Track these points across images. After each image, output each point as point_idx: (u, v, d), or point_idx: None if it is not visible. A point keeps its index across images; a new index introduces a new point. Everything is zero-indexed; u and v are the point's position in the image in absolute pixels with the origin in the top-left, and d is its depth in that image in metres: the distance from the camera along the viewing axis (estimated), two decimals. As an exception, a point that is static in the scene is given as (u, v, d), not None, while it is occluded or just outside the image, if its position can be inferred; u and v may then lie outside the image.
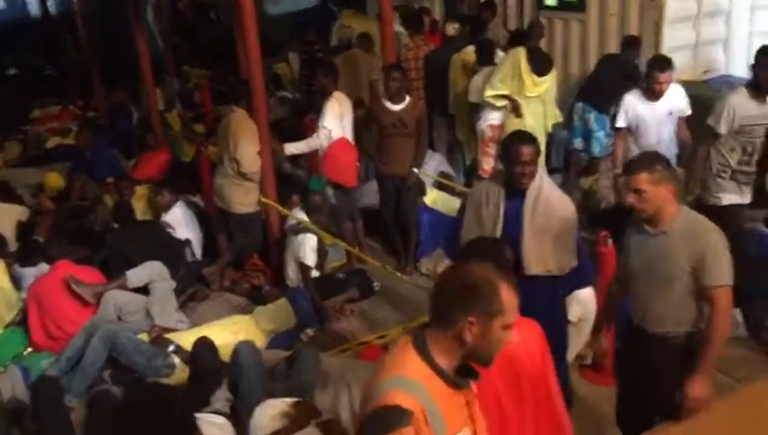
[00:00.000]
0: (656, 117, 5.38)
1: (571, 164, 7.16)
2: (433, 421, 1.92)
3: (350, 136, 6.02)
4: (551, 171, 6.88)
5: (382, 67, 6.42)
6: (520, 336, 2.19)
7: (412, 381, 1.94)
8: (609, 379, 3.97)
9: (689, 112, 5.44)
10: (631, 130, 5.47)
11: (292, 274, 5.54)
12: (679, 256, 3.00)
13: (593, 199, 6.43)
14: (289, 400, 3.77)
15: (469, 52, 6.85)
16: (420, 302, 5.21)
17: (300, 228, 5.53)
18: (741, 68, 7.64)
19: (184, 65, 11.32)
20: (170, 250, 5.50)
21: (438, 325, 2.01)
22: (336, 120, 5.84)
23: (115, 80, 9.97)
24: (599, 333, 3.59)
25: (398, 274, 5.66)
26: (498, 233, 3.50)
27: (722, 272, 2.96)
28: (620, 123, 5.50)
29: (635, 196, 3.05)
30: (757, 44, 7.70)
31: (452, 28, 7.44)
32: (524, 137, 3.59)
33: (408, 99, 5.73)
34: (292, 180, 6.76)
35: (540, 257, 3.46)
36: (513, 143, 3.51)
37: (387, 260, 6.01)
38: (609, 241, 4.35)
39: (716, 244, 2.98)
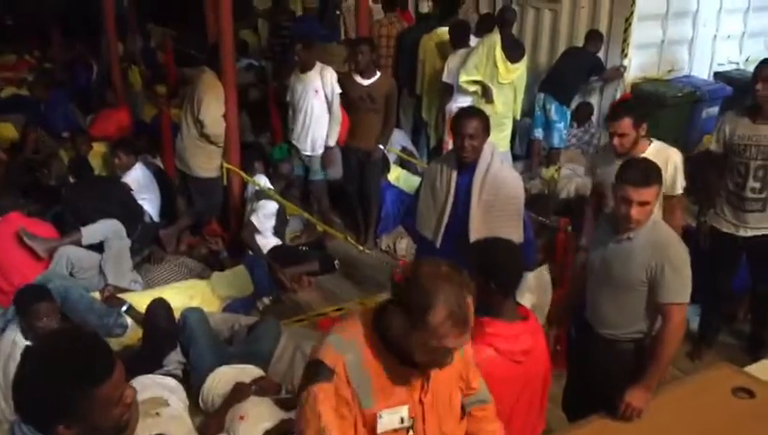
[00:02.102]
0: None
1: (532, 153, 7.25)
2: (357, 384, 1.88)
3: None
4: (514, 158, 6.98)
5: (353, 39, 6.36)
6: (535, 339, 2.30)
7: (347, 341, 1.91)
8: (560, 364, 4.05)
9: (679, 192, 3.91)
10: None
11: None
12: (638, 266, 2.94)
13: (554, 189, 6.53)
14: (242, 367, 3.77)
15: (442, 33, 6.84)
16: (378, 277, 5.24)
17: (262, 195, 5.48)
18: (703, 69, 7.83)
19: (149, 23, 11.02)
20: (128, 209, 5.38)
21: (391, 300, 1.93)
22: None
23: (75, 32, 9.65)
24: (555, 319, 3.64)
25: (360, 247, 5.66)
26: (449, 207, 3.64)
27: (679, 289, 2.89)
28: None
29: (638, 208, 2.89)
30: (720, 47, 7.99)
31: (426, 5, 7.43)
32: (470, 111, 3.77)
33: (378, 74, 5.71)
34: (255, 148, 6.68)
35: (486, 232, 3.48)
36: (459, 117, 3.65)
37: (347, 234, 6.01)
38: (569, 228, 4.45)
39: (677, 260, 2.90)
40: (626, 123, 3.63)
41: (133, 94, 8.50)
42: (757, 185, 4.08)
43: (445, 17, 7.32)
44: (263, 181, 5.60)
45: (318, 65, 5.73)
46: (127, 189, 5.51)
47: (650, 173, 2.92)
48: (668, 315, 2.90)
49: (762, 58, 8.16)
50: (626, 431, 2.77)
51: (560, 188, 6.50)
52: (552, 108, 6.95)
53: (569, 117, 7.09)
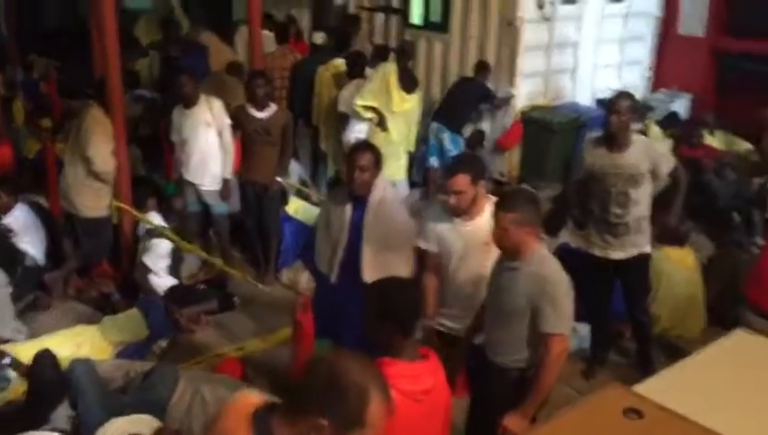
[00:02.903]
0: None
1: (428, 181, 7.39)
2: None
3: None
4: (412, 186, 7.08)
5: (247, 72, 6.30)
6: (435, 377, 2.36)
7: None
8: (462, 391, 4.11)
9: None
10: None
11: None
12: (521, 296, 3.05)
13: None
14: (137, 417, 3.60)
15: (338, 64, 6.89)
16: (279, 314, 5.15)
17: (155, 233, 5.30)
18: (586, 96, 8.25)
19: (31, 54, 10.51)
20: (6, 253, 5.07)
21: (288, 410, 1.75)
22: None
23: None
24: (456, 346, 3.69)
25: (259, 284, 5.56)
26: (343, 242, 3.64)
27: (558, 320, 3.01)
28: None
29: (497, 232, 3.06)
30: (601, 75, 8.45)
31: (319, 37, 7.48)
32: (363, 145, 3.84)
33: (272, 106, 5.68)
34: (147, 183, 6.46)
35: (378, 266, 3.54)
36: (352, 150, 3.71)
37: (247, 269, 5.89)
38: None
39: (557, 291, 3.02)
40: (462, 180, 3.38)
41: (15, 129, 8.07)
42: (619, 211, 4.29)
43: (339, 48, 7.39)
44: (156, 219, 5.42)
45: (203, 97, 5.62)
46: (3, 231, 5.19)
47: (506, 199, 3.16)
48: (548, 345, 3.04)
49: (635, 85, 8.80)
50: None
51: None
52: (446, 136, 7.12)
53: (462, 144, 7.28)
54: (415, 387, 2.42)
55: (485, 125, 7.71)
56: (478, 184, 3.44)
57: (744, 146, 7.72)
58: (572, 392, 4.18)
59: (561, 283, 3.07)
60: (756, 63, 9.10)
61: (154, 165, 7.09)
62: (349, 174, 3.59)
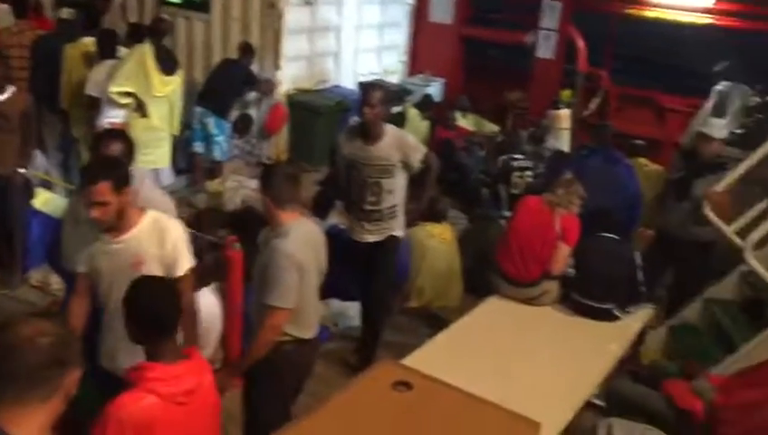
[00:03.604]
0: None
1: (195, 167, 7.13)
2: None
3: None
4: (177, 172, 6.77)
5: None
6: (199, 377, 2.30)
7: None
8: (239, 381, 4.04)
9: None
10: None
11: None
12: (259, 267, 3.34)
13: (221, 202, 6.49)
14: None
15: (88, 42, 6.33)
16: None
17: None
18: (349, 80, 8.47)
19: None
20: None
21: (30, 398, 1.65)
22: None
23: None
24: (230, 338, 3.61)
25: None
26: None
27: (272, 294, 3.19)
28: None
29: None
30: (362, 59, 8.72)
31: (65, 12, 6.81)
32: (111, 134, 3.61)
33: (10, 90, 5.06)
34: None
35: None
36: (98, 140, 3.48)
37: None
38: (238, 245, 4.42)
39: (276, 267, 3.20)
40: (103, 188, 2.85)
41: None
42: (374, 199, 4.48)
43: (88, 26, 6.80)
44: None
45: None
46: None
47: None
48: (266, 316, 3.23)
49: (393, 70, 9.19)
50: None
51: (226, 201, 6.49)
52: (211, 121, 6.89)
53: (228, 129, 7.10)
54: (176, 389, 2.34)
55: (253, 110, 7.60)
56: (123, 192, 2.92)
57: (491, 127, 8.46)
58: (349, 371, 4.29)
59: (281, 258, 3.19)
60: (497, 50, 10.02)
61: None
62: None
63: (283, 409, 3.40)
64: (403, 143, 4.48)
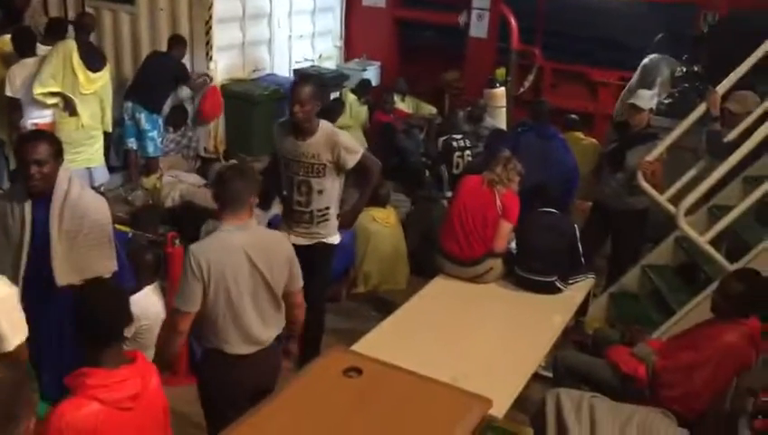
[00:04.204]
0: None
1: (129, 164, 6.96)
2: None
3: None
4: (111, 170, 6.59)
5: None
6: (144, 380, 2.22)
7: None
8: (185, 379, 3.99)
9: None
10: None
11: None
12: None
13: (158, 198, 6.36)
14: None
15: (5, 41, 6.07)
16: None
17: None
18: (284, 67, 8.37)
19: None
20: None
21: None
22: None
23: None
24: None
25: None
26: (26, 244, 3.23)
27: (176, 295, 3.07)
28: None
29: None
30: (296, 46, 8.62)
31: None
32: (35, 135, 3.37)
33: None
34: None
35: (73, 267, 3.26)
36: (22, 141, 3.30)
37: None
38: (177, 241, 4.35)
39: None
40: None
41: None
42: (302, 199, 4.18)
43: (8, 23, 6.53)
44: None
45: None
46: None
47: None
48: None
49: (329, 55, 9.08)
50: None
51: (164, 197, 6.35)
52: (143, 117, 6.73)
53: (160, 123, 6.93)
54: (119, 394, 2.30)
55: (187, 102, 7.43)
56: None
57: (429, 109, 8.50)
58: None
59: (186, 258, 3.01)
60: (431, 31, 10.05)
61: None
62: (23, 170, 3.17)
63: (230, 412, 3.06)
64: (336, 142, 4.11)
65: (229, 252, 3.00)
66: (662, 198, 4.92)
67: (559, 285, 4.70)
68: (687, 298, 4.66)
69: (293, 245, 3.77)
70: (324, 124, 4.18)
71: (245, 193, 3.06)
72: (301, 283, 3.28)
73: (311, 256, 4.09)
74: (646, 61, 7.36)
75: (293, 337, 3.50)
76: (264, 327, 3.16)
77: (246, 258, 3.03)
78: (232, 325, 3.07)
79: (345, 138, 4.21)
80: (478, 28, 8.51)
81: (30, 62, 5.78)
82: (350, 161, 4.14)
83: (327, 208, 4.23)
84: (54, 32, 6.19)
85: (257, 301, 3.10)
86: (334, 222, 4.32)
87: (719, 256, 4.63)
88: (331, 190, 4.21)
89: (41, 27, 6.73)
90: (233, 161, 6.78)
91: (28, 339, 2.78)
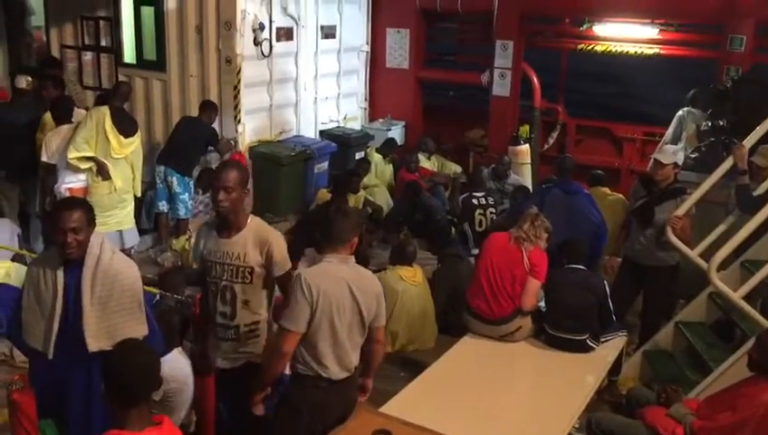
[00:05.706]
0: None
1: (160, 226, 7.07)
2: None
3: None
4: (142, 232, 6.70)
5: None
6: None
7: None
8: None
9: None
10: None
11: None
12: None
13: (187, 259, 6.42)
14: None
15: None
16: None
17: None
18: (310, 129, 8.53)
19: None
20: None
21: None
22: None
23: None
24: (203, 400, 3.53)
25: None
26: (58, 311, 3.21)
27: None
28: None
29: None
30: (322, 108, 8.81)
31: (24, 81, 6.77)
32: (70, 203, 3.42)
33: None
34: None
35: (104, 332, 3.22)
36: (57, 210, 3.31)
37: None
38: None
39: None
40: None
41: None
42: (227, 310, 3.53)
43: (43, 92, 6.75)
44: None
45: None
46: None
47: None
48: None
49: (354, 115, 9.20)
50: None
51: (192, 259, 6.41)
52: (175, 180, 6.88)
53: (192, 187, 7.07)
54: None
55: (215, 164, 7.56)
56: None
57: (454, 167, 8.57)
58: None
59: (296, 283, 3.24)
60: (455, 91, 10.21)
61: None
62: (58, 237, 3.18)
63: None
64: (267, 240, 3.45)
65: (336, 282, 3.23)
66: (693, 254, 4.85)
67: (590, 343, 4.61)
68: (724, 355, 4.55)
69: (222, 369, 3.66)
70: (255, 220, 3.54)
71: (348, 233, 3.30)
72: (384, 320, 3.44)
73: (232, 384, 3.62)
74: (678, 114, 7.39)
75: (370, 373, 3.56)
76: (354, 355, 3.35)
77: (349, 291, 3.24)
78: (331, 351, 3.25)
79: (278, 238, 3.53)
80: (501, 87, 8.61)
81: (65, 128, 5.97)
82: (278, 269, 3.48)
83: (256, 323, 3.57)
84: (61, 110, 6.21)
85: (352, 330, 3.29)
86: (262, 341, 3.60)
87: (755, 311, 4.53)
88: (260, 300, 3.56)
89: (76, 95, 6.96)
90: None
91: (58, 399, 2.79)
